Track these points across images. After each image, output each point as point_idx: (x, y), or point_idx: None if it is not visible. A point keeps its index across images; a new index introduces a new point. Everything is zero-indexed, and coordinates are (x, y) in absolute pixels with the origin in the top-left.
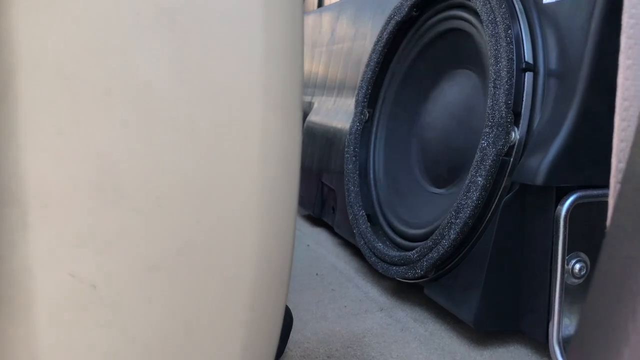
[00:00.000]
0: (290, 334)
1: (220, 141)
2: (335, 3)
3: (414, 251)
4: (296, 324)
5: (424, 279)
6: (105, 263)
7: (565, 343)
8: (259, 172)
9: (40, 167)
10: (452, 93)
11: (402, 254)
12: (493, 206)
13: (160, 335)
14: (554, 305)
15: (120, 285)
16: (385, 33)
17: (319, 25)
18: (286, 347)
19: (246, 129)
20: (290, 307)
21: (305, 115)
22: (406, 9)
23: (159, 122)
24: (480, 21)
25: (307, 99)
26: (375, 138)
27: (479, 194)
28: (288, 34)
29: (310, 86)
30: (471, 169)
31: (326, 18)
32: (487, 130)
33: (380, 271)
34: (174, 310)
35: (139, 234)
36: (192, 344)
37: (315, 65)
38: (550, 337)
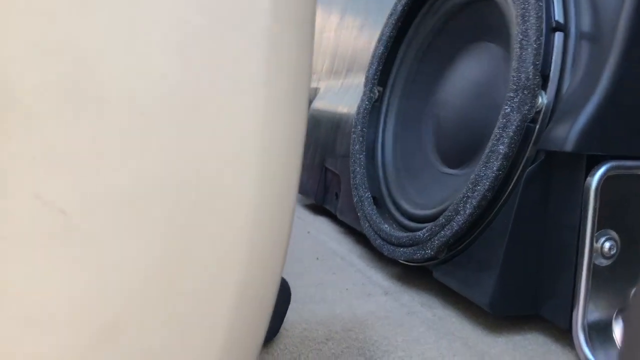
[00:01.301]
0: (288, 315)
1: (217, 51)
2: None
3: (423, 230)
4: (294, 305)
5: (433, 261)
6: (78, 185)
7: (590, 330)
8: (262, 92)
9: (5, 63)
10: (472, 68)
11: (411, 234)
12: (515, 178)
13: (138, 275)
14: (580, 288)
15: (95, 213)
16: (399, 5)
17: (328, 12)
18: (282, 328)
19: (248, 41)
20: None
21: (309, 102)
22: None
23: (148, 21)
24: None
25: (313, 84)
26: (385, 118)
27: (500, 164)
28: None
29: (317, 72)
30: (492, 136)
31: (336, 2)
32: (511, 94)
33: (385, 254)
34: (155, 249)
35: (118, 152)
36: (174, 289)
37: (322, 51)
38: (574, 323)
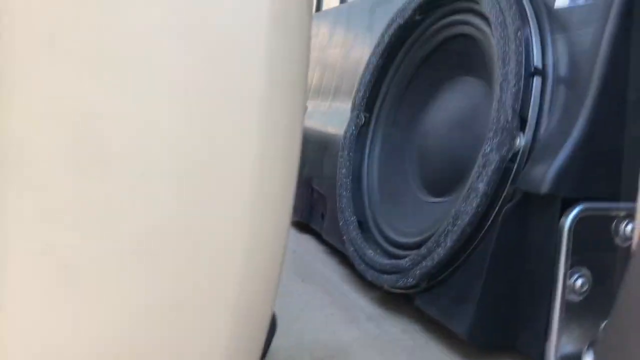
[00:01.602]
0: (273, 340)
1: (216, 110)
2: (334, 7)
3: (406, 259)
4: (279, 329)
5: (415, 289)
6: (82, 239)
7: None
8: (256, 149)
9: (17, 126)
10: (455, 101)
11: (394, 261)
12: (493, 215)
13: (138, 324)
14: (553, 322)
15: (99, 266)
16: (386, 36)
17: (316, 30)
18: (267, 353)
19: (247, 96)
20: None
21: None
22: (409, 12)
23: (152, 84)
24: (489, 25)
25: None
26: (371, 143)
27: (479, 201)
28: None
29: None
30: (472, 174)
31: (324, 23)
32: (491, 135)
33: (369, 279)
34: (155, 298)
35: (122, 210)
36: (173, 335)
37: (310, 69)
38: (546, 355)
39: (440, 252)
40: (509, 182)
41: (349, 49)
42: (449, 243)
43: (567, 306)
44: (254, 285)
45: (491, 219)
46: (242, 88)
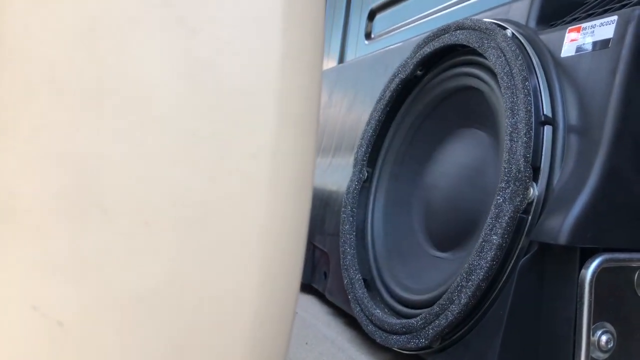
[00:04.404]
0: None
1: (224, 157)
2: (332, 68)
3: (417, 318)
4: None
5: (428, 350)
6: (76, 295)
7: None
8: (266, 198)
9: (4, 173)
10: (459, 153)
11: (404, 321)
12: (509, 268)
13: None
14: None
15: (93, 324)
16: (387, 91)
17: None
18: None
19: (256, 144)
20: None
21: None
22: (411, 67)
23: (154, 129)
24: (493, 76)
25: None
26: (374, 198)
27: (494, 254)
28: (308, 40)
29: None
30: (485, 226)
31: (323, 83)
32: (503, 185)
33: (378, 341)
34: (152, 355)
35: (120, 263)
36: None
37: None
38: None
39: (454, 310)
40: (524, 233)
41: (349, 107)
42: (463, 299)
43: None
44: (263, 348)
45: (507, 272)
46: (250, 134)
